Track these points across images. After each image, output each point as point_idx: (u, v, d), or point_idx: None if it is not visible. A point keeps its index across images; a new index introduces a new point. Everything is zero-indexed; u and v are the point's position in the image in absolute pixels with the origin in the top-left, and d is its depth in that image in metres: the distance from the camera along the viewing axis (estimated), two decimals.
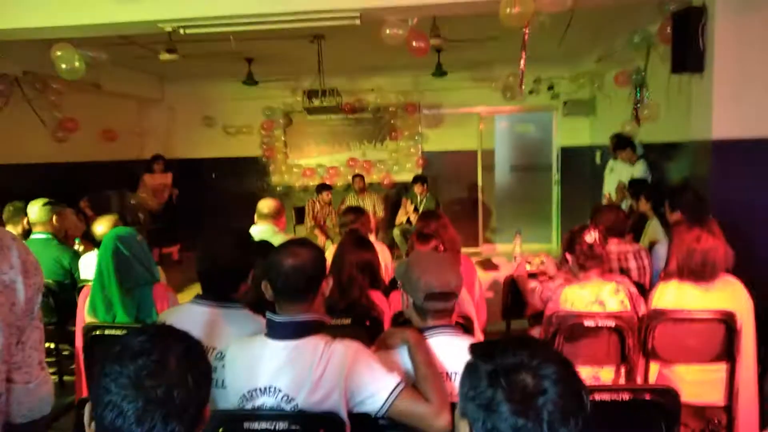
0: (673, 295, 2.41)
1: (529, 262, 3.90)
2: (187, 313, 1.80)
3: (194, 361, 1.00)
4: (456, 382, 1.63)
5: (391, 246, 6.49)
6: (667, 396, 1.55)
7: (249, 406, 1.56)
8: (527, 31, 4.05)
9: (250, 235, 2.05)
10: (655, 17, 4.57)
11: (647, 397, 1.56)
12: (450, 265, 1.79)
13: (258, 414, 1.53)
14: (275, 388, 1.54)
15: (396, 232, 7.14)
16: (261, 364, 1.56)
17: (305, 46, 5.74)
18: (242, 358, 1.60)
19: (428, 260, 1.83)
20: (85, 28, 4.07)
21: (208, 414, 1.04)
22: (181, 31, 4.07)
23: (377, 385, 1.51)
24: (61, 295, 3.37)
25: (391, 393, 1.50)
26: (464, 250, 3.85)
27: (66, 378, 3.47)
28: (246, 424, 1.50)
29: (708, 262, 2.35)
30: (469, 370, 0.98)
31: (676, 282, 2.43)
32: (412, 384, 1.57)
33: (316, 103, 6.38)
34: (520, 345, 0.94)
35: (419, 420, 1.49)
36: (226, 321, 1.79)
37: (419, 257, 1.88)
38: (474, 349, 1.01)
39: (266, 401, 1.55)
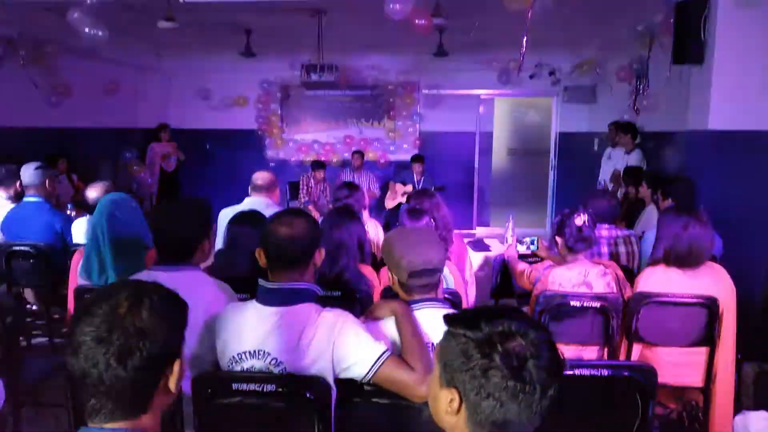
0: (659, 280, 2.45)
1: (521, 242, 3.92)
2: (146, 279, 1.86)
3: (166, 310, 1.04)
4: None
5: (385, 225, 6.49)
6: (645, 373, 1.59)
7: (238, 368, 1.59)
8: (529, 15, 4.03)
9: (198, 205, 2.11)
10: (658, 7, 4.55)
11: (626, 373, 1.60)
12: (431, 240, 1.78)
13: (247, 375, 1.56)
14: (264, 351, 1.57)
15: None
16: (251, 328, 1.59)
17: (306, 21, 5.68)
18: (233, 322, 1.63)
19: (409, 238, 1.80)
20: None
21: (181, 365, 1.07)
22: None
23: (364, 352, 1.54)
24: (53, 259, 3.37)
25: (377, 360, 1.53)
26: (459, 231, 3.88)
27: (57, 340, 3.50)
28: (235, 385, 1.53)
29: (694, 249, 2.38)
30: (456, 341, 0.95)
31: (662, 267, 2.47)
32: (398, 354, 1.60)
33: (315, 78, 6.32)
34: (500, 314, 0.96)
35: (403, 387, 1.52)
36: (177, 282, 1.83)
37: (400, 235, 1.83)
38: (454, 319, 0.99)
39: (255, 364, 1.58)
